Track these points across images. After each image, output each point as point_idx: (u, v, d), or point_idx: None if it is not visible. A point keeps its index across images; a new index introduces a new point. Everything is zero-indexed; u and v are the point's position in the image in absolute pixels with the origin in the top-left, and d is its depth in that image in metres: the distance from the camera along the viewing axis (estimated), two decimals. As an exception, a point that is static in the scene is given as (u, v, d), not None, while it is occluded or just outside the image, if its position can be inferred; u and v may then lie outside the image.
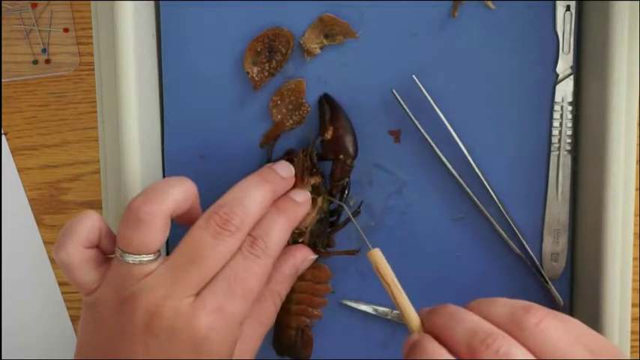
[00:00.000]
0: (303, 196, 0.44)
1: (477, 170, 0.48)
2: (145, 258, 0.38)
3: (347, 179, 0.47)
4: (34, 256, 0.57)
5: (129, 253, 0.38)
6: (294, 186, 0.44)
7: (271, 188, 0.41)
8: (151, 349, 0.37)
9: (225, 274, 0.38)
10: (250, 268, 0.39)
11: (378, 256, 0.40)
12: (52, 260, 0.57)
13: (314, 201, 0.45)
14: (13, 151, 0.56)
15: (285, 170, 0.43)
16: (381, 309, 0.49)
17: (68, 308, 0.58)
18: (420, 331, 0.37)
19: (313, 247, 0.45)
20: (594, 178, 0.45)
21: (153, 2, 0.48)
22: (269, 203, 0.41)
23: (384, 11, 0.48)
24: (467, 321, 0.35)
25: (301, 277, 0.45)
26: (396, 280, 0.39)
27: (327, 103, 0.47)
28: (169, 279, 0.37)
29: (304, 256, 0.45)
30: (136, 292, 0.37)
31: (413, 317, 0.38)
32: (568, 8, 0.47)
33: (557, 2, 0.47)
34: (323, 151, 0.46)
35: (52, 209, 0.57)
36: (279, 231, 0.41)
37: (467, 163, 0.48)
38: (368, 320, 0.50)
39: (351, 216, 0.46)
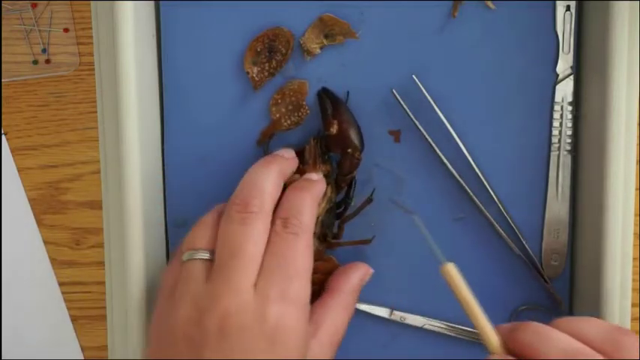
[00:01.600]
0: (317, 176, 0.44)
1: (476, 170, 0.48)
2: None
3: (354, 173, 0.47)
4: (34, 256, 0.57)
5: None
6: (307, 172, 0.45)
7: (277, 167, 0.42)
8: (225, 351, 0.35)
9: (273, 259, 0.38)
10: (293, 246, 0.38)
11: (452, 271, 0.38)
12: (52, 260, 0.57)
13: (328, 191, 0.45)
14: (13, 151, 0.56)
15: (285, 152, 0.44)
16: (381, 309, 0.49)
17: (68, 308, 0.58)
18: (501, 352, 0.36)
19: (323, 237, 0.45)
20: (594, 177, 0.45)
21: (153, 2, 0.48)
22: (279, 180, 0.41)
23: (384, 11, 0.48)
24: (557, 340, 0.34)
25: (314, 270, 0.45)
26: (471, 297, 0.38)
27: (327, 97, 0.47)
28: (223, 280, 0.37)
29: (365, 271, 0.45)
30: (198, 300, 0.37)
31: (492, 336, 0.37)
32: (568, 8, 0.47)
33: (557, 2, 0.47)
34: (329, 145, 0.46)
35: (52, 209, 0.57)
36: (307, 207, 0.40)
37: (467, 163, 0.48)
38: (368, 320, 0.50)
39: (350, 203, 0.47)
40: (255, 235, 0.38)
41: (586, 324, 0.35)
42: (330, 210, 0.45)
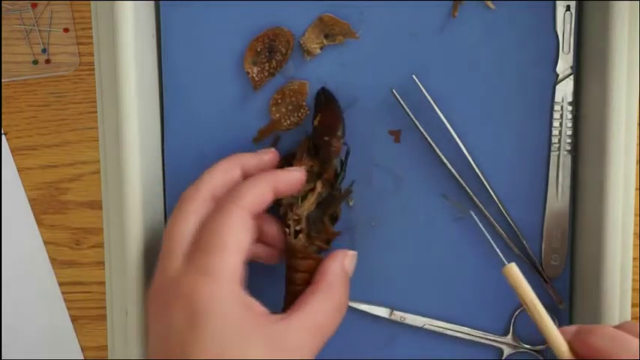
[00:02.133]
0: (295, 169, 0.43)
1: (476, 170, 0.48)
2: None
3: (338, 162, 0.45)
4: (34, 257, 0.57)
5: None
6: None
7: (237, 160, 0.43)
8: (154, 321, 0.39)
9: (200, 235, 0.39)
10: (220, 221, 0.38)
11: (514, 272, 0.36)
12: (52, 260, 0.57)
13: (313, 188, 0.44)
14: (13, 151, 0.56)
15: (263, 150, 0.45)
16: (381, 309, 0.49)
17: (68, 308, 0.58)
18: (570, 356, 0.35)
19: (308, 236, 0.44)
20: (594, 177, 0.45)
21: (153, 2, 0.48)
22: (234, 169, 0.42)
23: (384, 11, 0.48)
24: (631, 344, 0.32)
25: (305, 256, 0.44)
26: (536, 300, 0.36)
27: (323, 95, 0.47)
28: (161, 259, 0.40)
29: (343, 255, 0.43)
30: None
31: (560, 341, 0.35)
32: (568, 8, 0.47)
33: (557, 2, 0.47)
34: (315, 138, 0.46)
35: (52, 209, 0.57)
36: (251, 188, 0.40)
37: (467, 163, 0.48)
38: (368, 320, 0.50)
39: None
40: (185, 212, 0.40)
41: None
42: (319, 206, 0.45)
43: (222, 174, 0.42)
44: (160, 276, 0.39)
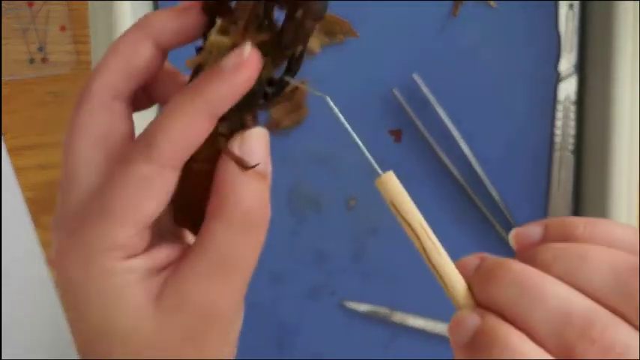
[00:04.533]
0: (235, 58, 0.26)
1: (477, 170, 0.48)
2: None
3: (297, 47, 0.30)
4: (30, 257, 0.57)
5: None
6: (233, 42, 0.27)
7: (145, 27, 0.29)
8: None
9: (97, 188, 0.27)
10: (117, 174, 0.26)
11: (392, 182, 0.25)
12: (48, 261, 0.57)
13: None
14: (9, 150, 0.56)
15: (179, 6, 0.29)
16: (381, 310, 0.49)
17: (65, 310, 0.57)
18: (471, 306, 0.24)
19: (225, 120, 0.28)
20: (597, 177, 0.45)
21: (151, 2, 0.48)
22: (142, 45, 0.29)
23: (385, 11, 0.47)
24: (549, 298, 0.21)
25: (195, 158, 0.28)
26: (425, 224, 0.26)
27: None
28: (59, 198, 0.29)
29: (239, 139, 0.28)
30: None
31: (456, 281, 0.25)
32: (571, 7, 0.47)
33: (560, 1, 0.47)
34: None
35: (49, 209, 0.56)
36: (174, 127, 0.26)
37: (468, 162, 0.48)
38: (368, 321, 0.49)
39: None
40: (75, 141, 0.27)
41: (585, 263, 0.22)
42: (255, 93, 0.29)
43: (123, 59, 0.28)
44: (55, 211, 0.28)
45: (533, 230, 0.25)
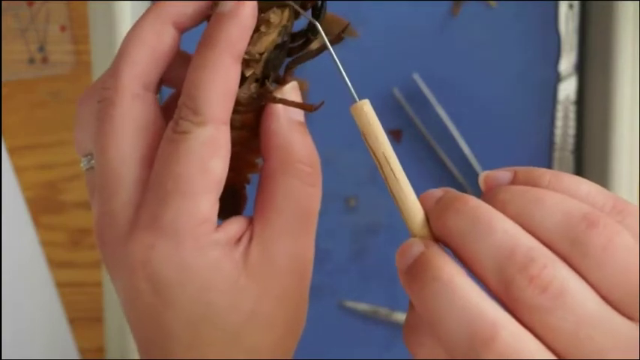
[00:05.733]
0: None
1: (477, 170, 0.48)
2: None
3: None
4: (30, 257, 0.57)
5: None
6: None
7: (166, 14, 0.28)
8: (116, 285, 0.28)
9: (152, 175, 0.27)
10: (176, 152, 0.26)
11: (365, 110, 0.25)
12: (49, 261, 0.57)
13: (275, 17, 0.29)
14: (9, 150, 0.56)
15: None
16: (381, 310, 0.49)
17: (66, 310, 0.57)
18: (425, 237, 0.24)
19: (262, 83, 0.29)
20: (597, 177, 0.45)
21: (151, 2, 0.48)
22: (165, 31, 0.28)
23: (385, 10, 0.47)
24: (496, 232, 0.22)
25: (246, 110, 0.30)
26: (389, 154, 0.25)
27: None
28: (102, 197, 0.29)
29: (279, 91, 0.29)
30: None
31: (415, 211, 0.25)
32: (571, 7, 0.47)
33: (560, 1, 0.47)
34: None
35: (49, 209, 0.56)
36: (208, 81, 0.26)
37: (468, 163, 0.48)
38: (368, 321, 0.49)
39: (326, 40, 0.29)
40: (113, 133, 0.27)
41: (541, 205, 0.22)
42: (282, 45, 0.29)
43: (149, 47, 0.28)
44: (102, 222, 0.28)
45: (502, 175, 0.26)
